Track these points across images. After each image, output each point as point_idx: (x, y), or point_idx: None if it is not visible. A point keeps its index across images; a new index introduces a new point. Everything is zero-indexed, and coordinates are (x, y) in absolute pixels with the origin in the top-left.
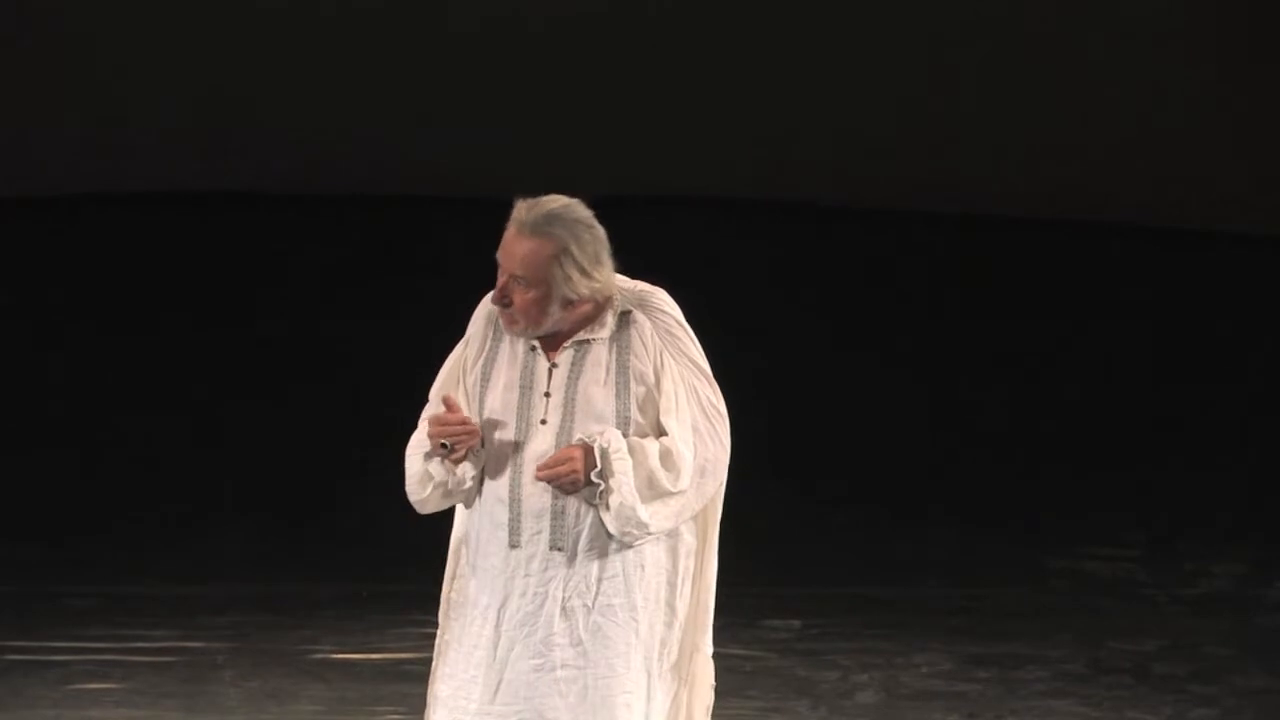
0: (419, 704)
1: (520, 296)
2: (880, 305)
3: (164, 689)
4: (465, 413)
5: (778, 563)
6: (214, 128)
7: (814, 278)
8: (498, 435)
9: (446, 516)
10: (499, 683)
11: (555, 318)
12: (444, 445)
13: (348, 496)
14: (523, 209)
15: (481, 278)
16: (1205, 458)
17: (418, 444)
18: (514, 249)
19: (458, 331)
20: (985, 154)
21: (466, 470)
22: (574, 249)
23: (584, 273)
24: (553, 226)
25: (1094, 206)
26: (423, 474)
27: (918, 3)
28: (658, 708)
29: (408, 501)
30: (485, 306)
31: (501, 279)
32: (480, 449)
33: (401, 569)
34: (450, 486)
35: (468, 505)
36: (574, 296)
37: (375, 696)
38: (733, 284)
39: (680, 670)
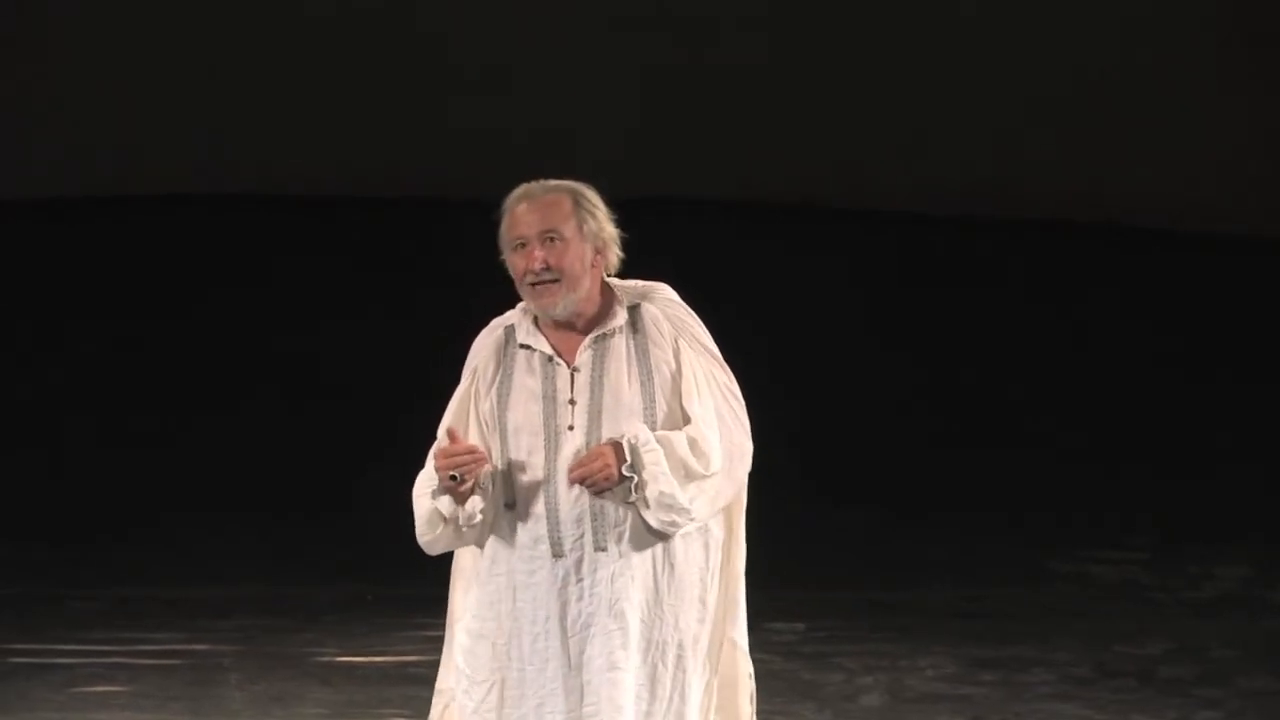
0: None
1: (559, 251)
2: (881, 306)
3: (170, 692)
4: (475, 440)
5: (781, 565)
6: (214, 129)
7: (814, 278)
8: (526, 450)
9: None
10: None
11: (588, 278)
12: (453, 477)
13: (350, 499)
14: (525, 187)
15: (483, 279)
16: (1210, 460)
17: (424, 484)
18: (536, 212)
19: (460, 331)
20: (986, 154)
21: (475, 504)
22: (588, 194)
23: (605, 215)
24: (560, 183)
25: (1095, 206)
26: (432, 513)
27: (919, 5)
28: (692, 700)
29: (410, 503)
30: (489, 336)
31: (531, 251)
32: (489, 483)
33: (405, 572)
34: (461, 522)
35: (479, 544)
36: (604, 237)
37: (380, 699)
38: (733, 284)
39: (711, 660)
